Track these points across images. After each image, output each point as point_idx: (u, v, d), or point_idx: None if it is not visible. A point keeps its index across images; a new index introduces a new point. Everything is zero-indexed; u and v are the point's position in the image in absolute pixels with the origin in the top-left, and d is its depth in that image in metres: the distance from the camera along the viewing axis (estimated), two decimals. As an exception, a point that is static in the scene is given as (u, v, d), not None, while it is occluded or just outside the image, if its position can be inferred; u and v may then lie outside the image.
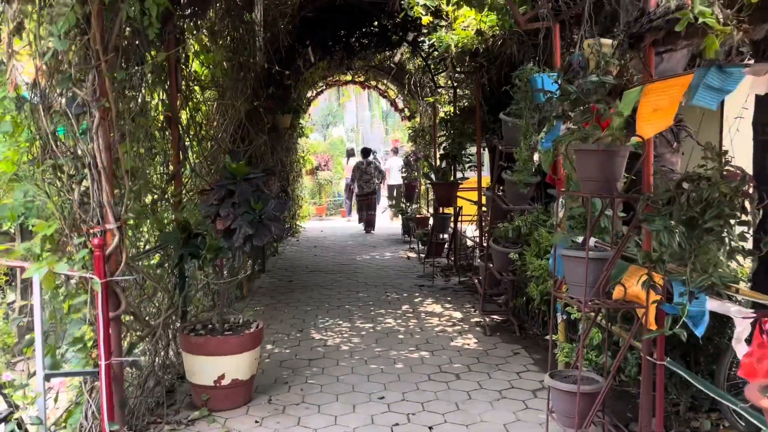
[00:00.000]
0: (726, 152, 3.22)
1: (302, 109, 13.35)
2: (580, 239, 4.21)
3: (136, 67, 4.38)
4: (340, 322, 7.08)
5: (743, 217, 2.99)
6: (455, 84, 9.88)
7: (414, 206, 13.75)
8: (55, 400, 4.09)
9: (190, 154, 5.70)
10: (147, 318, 4.59)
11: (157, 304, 4.85)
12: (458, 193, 9.55)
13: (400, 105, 16.69)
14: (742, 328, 2.95)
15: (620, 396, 4.61)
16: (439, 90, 11.24)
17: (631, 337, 3.69)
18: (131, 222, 4.32)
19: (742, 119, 4.24)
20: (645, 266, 3.42)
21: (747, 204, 2.98)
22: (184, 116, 5.69)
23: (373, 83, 16.15)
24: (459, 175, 9.67)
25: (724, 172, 3.09)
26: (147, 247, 4.81)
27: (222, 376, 4.58)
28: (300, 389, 5.07)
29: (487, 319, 6.85)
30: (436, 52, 9.87)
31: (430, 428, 4.37)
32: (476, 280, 7.94)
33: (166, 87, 5.13)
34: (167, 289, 5.05)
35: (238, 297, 8.04)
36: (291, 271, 10.28)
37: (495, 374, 5.35)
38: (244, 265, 7.44)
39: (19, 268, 4.08)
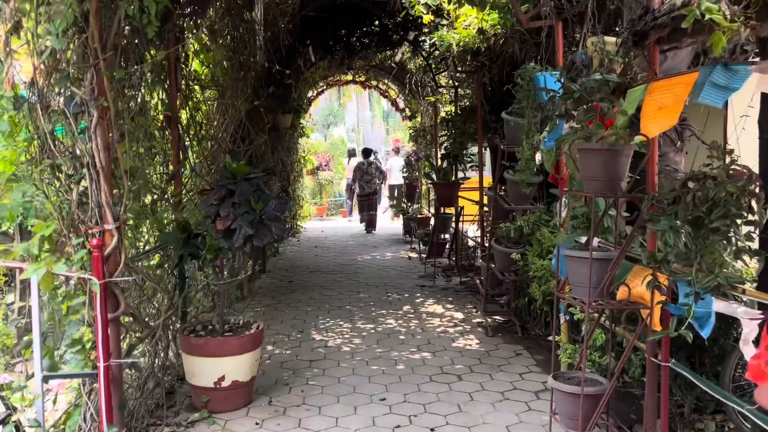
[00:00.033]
0: (732, 151, 3.19)
1: (303, 108, 13.31)
2: (583, 239, 4.18)
3: (136, 67, 4.35)
4: (341, 322, 7.05)
5: (750, 217, 2.96)
6: (456, 83, 9.84)
7: (415, 206, 13.71)
8: (54, 402, 4.06)
9: (190, 153, 5.66)
10: (146, 319, 4.55)
11: (156, 305, 4.82)
12: (459, 193, 9.51)
13: (401, 105, 16.64)
14: (749, 330, 2.91)
15: (623, 397, 4.57)
16: (440, 89, 11.20)
17: (635, 339, 3.65)
18: (131, 222, 4.29)
19: (748, 117, 4.20)
20: (650, 266, 3.38)
21: (754, 203, 2.95)
22: (183, 116, 5.65)
23: (374, 83, 16.11)
24: (460, 174, 9.63)
25: (731, 171, 3.05)
26: (147, 247, 4.78)
27: (222, 378, 4.54)
28: (301, 390, 5.03)
29: (489, 320, 6.81)
30: (437, 52, 9.85)
31: (432, 430, 4.33)
32: (478, 281, 7.91)
33: (166, 86, 5.09)
34: (167, 290, 5.01)
35: (238, 297, 8.00)
36: (292, 272, 10.25)
37: (497, 375, 5.31)
38: (245, 265, 7.40)
39: (18, 269, 4.04)
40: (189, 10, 5.37)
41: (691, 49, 4.81)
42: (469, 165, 9.29)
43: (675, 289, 3.37)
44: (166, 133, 5.19)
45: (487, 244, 7.67)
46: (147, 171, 4.77)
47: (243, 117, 6.99)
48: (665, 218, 3.12)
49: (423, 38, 9.88)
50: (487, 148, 9.00)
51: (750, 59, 4.25)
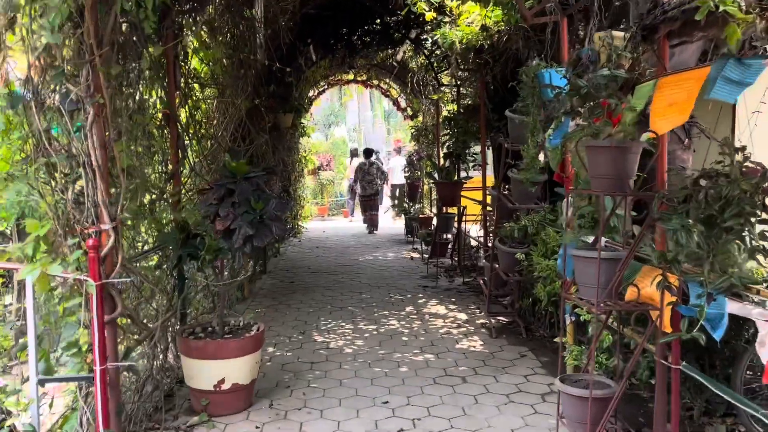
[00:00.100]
0: (745, 147, 3.10)
1: (304, 108, 13.23)
2: (589, 239, 4.09)
3: (134, 64, 4.26)
4: (343, 323, 6.96)
5: (764, 216, 2.87)
6: (458, 82, 9.76)
7: (417, 206, 13.63)
8: (50, 405, 3.97)
9: (189, 152, 5.58)
10: (145, 321, 4.46)
11: (155, 307, 4.73)
12: (462, 193, 9.43)
13: (403, 104, 16.56)
14: (765, 332, 2.83)
15: (631, 400, 4.48)
16: (443, 88, 11.12)
17: (645, 341, 3.56)
18: (129, 222, 4.20)
19: (760, 113, 4.11)
20: (660, 266, 3.30)
21: (768, 201, 2.87)
22: (183, 114, 5.57)
23: (375, 82, 16.03)
24: (463, 174, 9.54)
25: (744, 169, 2.97)
26: (145, 248, 4.69)
27: (222, 381, 4.45)
28: (302, 393, 4.94)
29: (493, 321, 6.72)
30: (439, 51, 9.77)
31: (436, 434, 4.25)
32: (481, 281, 7.82)
33: (165, 84, 5.01)
34: (166, 291, 4.93)
35: (239, 298, 7.92)
36: (293, 272, 10.16)
37: (502, 377, 5.22)
38: (245, 266, 7.32)
39: (14, 270, 3.96)
40: (188, 6, 5.28)
41: (699, 45, 4.73)
42: (472, 164, 9.20)
43: (686, 290, 3.29)
44: (165, 131, 5.11)
45: (490, 244, 7.59)
46: (145, 170, 4.69)
47: (243, 116, 6.91)
48: (677, 217, 3.03)
49: (425, 36, 9.80)
50: (490, 147, 8.91)
51: (760, 54, 4.17)
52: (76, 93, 3.52)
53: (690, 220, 2.97)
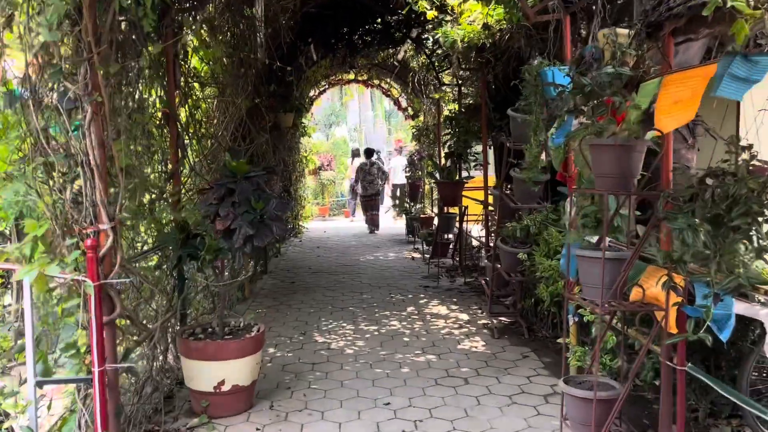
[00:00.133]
0: (752, 146, 3.05)
1: (305, 108, 13.20)
2: (592, 239, 4.05)
3: (133, 63, 4.22)
4: (344, 324, 6.92)
5: (772, 215, 2.83)
6: (460, 81, 9.71)
7: (418, 206, 13.59)
8: (49, 407, 3.92)
9: (189, 152, 5.54)
10: (144, 321, 4.42)
11: (155, 307, 4.69)
12: (463, 193, 9.38)
13: (404, 104, 16.52)
14: (773, 333, 2.78)
15: (635, 401, 4.45)
16: (444, 88, 11.07)
17: (650, 342, 3.52)
18: (128, 222, 4.16)
19: (767, 111, 4.06)
20: (665, 267, 3.25)
21: (776, 200, 2.82)
22: (183, 113, 5.53)
23: (376, 82, 15.99)
24: (464, 174, 9.50)
25: (751, 167, 2.92)
26: (145, 248, 4.65)
27: (222, 382, 4.41)
28: (303, 395, 4.90)
29: (495, 321, 6.67)
30: (440, 50, 9.72)
31: (439, 436, 4.21)
32: (483, 281, 7.78)
33: (164, 83, 4.97)
34: (165, 292, 4.89)
35: (239, 299, 7.89)
36: (293, 273, 10.12)
37: (504, 378, 5.18)
38: (246, 266, 7.27)
39: (13, 271, 3.91)
40: (188, 4, 5.24)
41: (703, 43, 4.69)
42: (473, 164, 9.15)
43: (691, 290, 3.25)
44: (165, 130, 5.07)
45: (491, 244, 7.54)
46: (145, 169, 4.65)
47: (244, 115, 6.87)
48: (683, 216, 2.99)
49: (426, 36, 9.76)
50: (491, 147, 8.87)
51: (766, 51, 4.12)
52: (74, 91, 3.48)
53: (696, 220, 2.92)
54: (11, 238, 5.13)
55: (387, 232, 15.29)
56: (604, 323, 3.91)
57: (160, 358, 4.67)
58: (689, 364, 3.38)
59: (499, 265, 6.61)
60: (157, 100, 4.93)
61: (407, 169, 14.02)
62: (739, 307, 3.02)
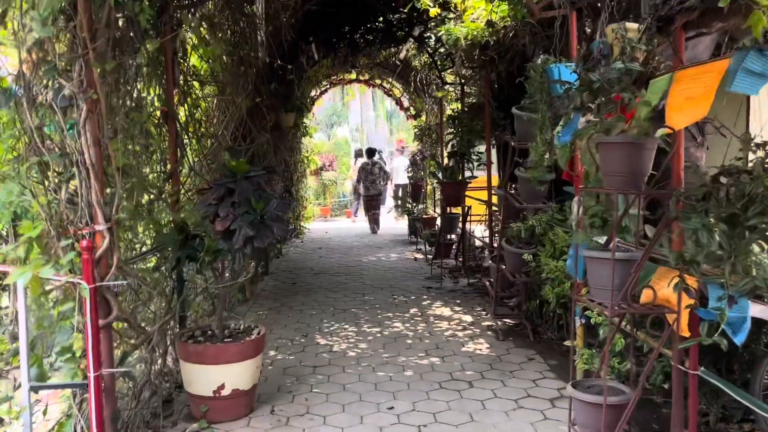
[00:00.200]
0: (767, 143, 2.96)
1: (306, 107, 13.12)
2: (600, 239, 3.95)
3: (130, 60, 4.13)
4: (346, 326, 6.82)
5: (789, 214, 2.73)
6: (463, 81, 9.62)
7: (420, 206, 13.50)
8: (44, 413, 3.84)
9: (188, 151, 5.45)
10: (143, 324, 4.33)
11: (153, 310, 4.60)
12: (467, 193, 9.29)
13: (406, 104, 16.43)
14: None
15: (643, 405, 4.34)
16: (446, 87, 10.98)
17: (661, 345, 3.42)
18: (126, 223, 4.06)
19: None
20: (677, 268, 3.16)
21: (794, 199, 2.72)
22: (182, 112, 5.44)
23: (378, 81, 15.91)
24: (467, 173, 9.40)
25: (767, 165, 2.83)
26: (143, 249, 4.56)
27: (222, 386, 4.32)
28: (304, 399, 4.81)
29: (499, 323, 6.58)
30: (443, 48, 9.62)
31: (443, 441, 4.12)
32: (487, 282, 7.68)
33: (163, 81, 4.87)
34: (164, 294, 4.80)
35: (240, 300, 7.80)
36: (295, 274, 10.03)
37: (510, 382, 5.08)
38: (247, 267, 7.18)
39: (7, 273, 3.83)
40: (187, 1, 5.15)
41: (713, 39, 4.59)
42: (477, 164, 9.05)
43: (704, 292, 3.15)
44: (164, 130, 4.97)
45: (495, 245, 7.45)
46: (143, 169, 4.56)
47: (244, 114, 6.78)
48: (696, 216, 2.89)
49: (428, 34, 9.67)
50: (494, 146, 8.77)
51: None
52: (69, 89, 3.39)
53: (711, 219, 2.83)
54: (8, 239, 5.05)
55: (389, 232, 15.20)
56: (613, 326, 3.81)
57: (159, 361, 4.58)
58: (702, 368, 3.29)
59: (503, 266, 6.51)
60: (156, 99, 4.84)
61: (409, 169, 13.93)
62: (755, 310, 2.93)
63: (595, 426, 3.49)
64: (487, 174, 8.59)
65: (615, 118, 3.46)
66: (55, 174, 3.56)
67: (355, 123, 31.48)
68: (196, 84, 5.88)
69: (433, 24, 8.13)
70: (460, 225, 9.74)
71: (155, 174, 4.88)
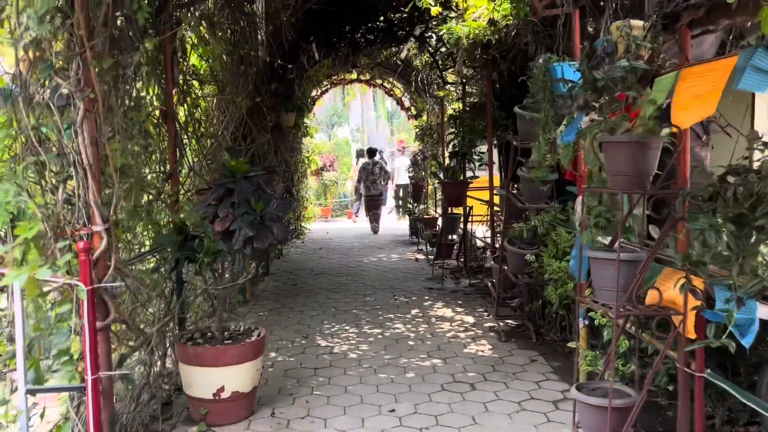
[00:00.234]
0: (775, 142, 2.91)
1: (307, 107, 13.06)
2: (604, 239, 3.90)
3: (129, 59, 4.08)
4: (347, 327, 6.77)
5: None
6: (464, 80, 9.57)
7: (421, 207, 13.45)
8: (42, 416, 3.78)
9: (188, 151, 5.40)
10: (142, 326, 4.28)
11: (152, 311, 4.55)
12: (468, 193, 9.23)
13: (407, 103, 16.38)
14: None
15: (648, 407, 4.28)
16: (448, 86, 10.93)
17: (667, 347, 3.37)
18: (125, 224, 4.01)
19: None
20: (683, 269, 3.11)
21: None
22: (181, 112, 5.39)
23: (379, 81, 15.85)
24: (469, 173, 9.35)
25: (775, 164, 2.78)
26: (142, 250, 4.51)
27: (221, 389, 4.27)
28: (305, 401, 4.76)
29: (501, 324, 6.53)
30: (444, 48, 9.58)
31: (446, 444, 4.07)
32: (489, 283, 7.63)
33: (162, 81, 4.82)
34: (164, 295, 4.75)
35: (240, 301, 7.75)
36: (296, 274, 9.98)
37: (512, 384, 5.03)
38: (247, 268, 7.13)
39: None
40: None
41: (717, 37, 4.55)
42: (478, 164, 9.00)
43: (711, 293, 3.10)
44: (163, 129, 4.93)
45: (497, 245, 7.40)
46: (142, 169, 4.52)
47: (244, 114, 6.73)
48: (704, 216, 2.84)
49: (430, 34, 9.62)
50: (496, 146, 8.72)
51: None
52: (66, 87, 3.34)
53: (719, 220, 2.78)
54: (6, 240, 5.00)
55: (390, 233, 15.15)
56: (618, 327, 3.76)
57: (158, 363, 4.53)
58: (708, 371, 3.24)
59: (505, 267, 6.46)
60: (155, 98, 4.79)
61: (410, 169, 13.88)
62: (763, 311, 2.88)
63: (600, 429, 3.44)
64: (488, 174, 8.53)
65: (620, 117, 3.41)
66: (53, 174, 3.52)
67: (355, 123, 31.44)
68: (195, 83, 5.83)
69: (434, 23, 8.09)
70: (462, 225, 9.69)
71: (154, 174, 4.84)
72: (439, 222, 11.33)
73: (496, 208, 8.31)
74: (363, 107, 30.53)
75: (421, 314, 7.28)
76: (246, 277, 6.07)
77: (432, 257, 10.42)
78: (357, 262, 11.10)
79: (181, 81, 5.32)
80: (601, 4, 4.86)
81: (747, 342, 2.92)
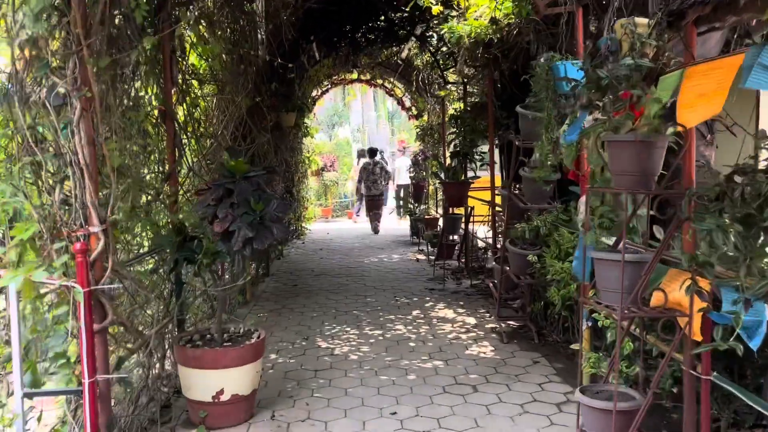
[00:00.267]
0: (783, 141, 2.86)
1: (307, 107, 13.00)
2: (605, 239, 3.85)
3: (127, 58, 4.03)
4: (348, 328, 6.72)
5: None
6: (465, 80, 9.52)
7: (422, 207, 13.40)
8: (39, 419, 3.74)
9: (187, 151, 5.35)
10: (141, 328, 4.23)
11: (151, 313, 4.50)
12: (469, 193, 9.19)
13: (407, 103, 16.33)
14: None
15: (653, 410, 4.21)
16: (449, 86, 10.88)
17: (673, 350, 3.32)
18: (123, 225, 3.96)
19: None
20: (689, 270, 3.06)
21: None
22: (181, 111, 5.34)
23: (380, 81, 15.80)
24: (470, 173, 9.30)
25: (783, 164, 2.74)
26: (141, 251, 4.46)
27: (221, 391, 4.22)
28: (305, 403, 4.71)
29: (503, 325, 6.48)
30: (445, 47, 9.53)
31: (448, 447, 4.02)
32: (491, 284, 7.58)
33: (161, 80, 4.77)
34: (162, 297, 4.70)
35: (240, 302, 7.70)
36: (296, 275, 9.93)
37: (515, 386, 4.98)
38: (247, 269, 7.08)
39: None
40: (185, -2, 5.06)
41: (723, 35, 4.50)
42: (480, 164, 8.94)
43: (717, 294, 3.05)
44: (162, 129, 4.88)
45: (499, 246, 7.35)
46: (141, 170, 4.47)
47: (244, 114, 6.68)
48: (711, 216, 2.79)
49: (430, 33, 9.57)
50: (497, 146, 8.67)
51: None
52: (63, 86, 3.29)
53: (726, 220, 2.73)
54: (3, 241, 4.95)
55: (391, 233, 15.10)
56: (622, 329, 3.71)
57: (157, 366, 4.49)
58: (714, 374, 3.19)
59: (507, 268, 6.41)
60: (154, 98, 4.74)
61: (411, 169, 13.83)
62: (771, 313, 2.82)
63: (605, 433, 3.39)
64: (490, 174, 8.48)
65: (624, 115, 3.37)
66: (49, 174, 3.47)
67: (356, 123, 31.39)
68: (195, 83, 5.78)
69: (435, 22, 8.04)
70: (463, 226, 9.64)
71: (153, 174, 4.79)
72: (440, 222, 11.27)
73: (497, 209, 8.26)
74: (363, 107, 30.48)
75: (422, 315, 7.23)
76: (246, 279, 6.02)
77: (433, 258, 10.37)
78: (358, 262, 11.05)
79: (180, 80, 5.28)
80: (604, 2, 4.81)
81: (755, 344, 2.88)
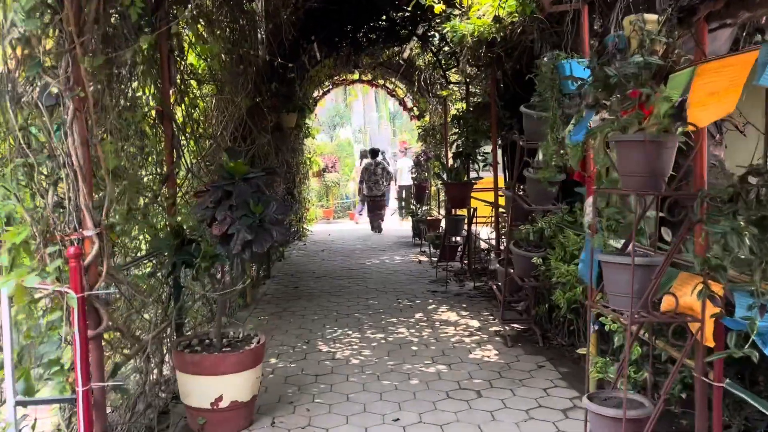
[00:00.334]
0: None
1: (308, 108, 12.90)
2: (612, 242, 3.75)
3: (123, 57, 3.94)
4: (350, 332, 6.63)
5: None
6: (468, 80, 9.43)
7: (424, 208, 13.30)
8: (33, 427, 3.64)
9: (186, 153, 5.26)
10: (138, 333, 4.14)
11: (149, 318, 4.41)
12: (472, 194, 9.09)
13: (409, 104, 16.24)
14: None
15: (662, 416, 4.11)
16: (451, 86, 10.79)
17: (685, 355, 3.22)
18: (120, 228, 3.87)
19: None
20: (701, 273, 2.97)
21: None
22: (179, 112, 5.25)
23: (381, 81, 15.70)
24: (473, 174, 9.21)
25: (800, 164, 2.64)
26: (138, 254, 4.37)
27: (220, 398, 4.13)
28: (306, 409, 4.61)
29: (507, 328, 6.38)
30: (447, 47, 9.43)
31: (452, 455, 3.92)
32: (494, 286, 7.49)
33: (158, 80, 4.68)
34: (160, 301, 4.61)
35: (241, 305, 7.62)
36: (297, 277, 9.84)
37: (520, 391, 4.88)
38: (247, 272, 6.99)
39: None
40: (183, -4, 4.97)
41: (732, 33, 4.40)
42: (482, 164, 8.85)
43: (731, 299, 2.95)
44: (159, 130, 4.79)
45: (502, 248, 7.25)
46: (138, 171, 4.38)
47: (244, 115, 6.59)
48: (725, 219, 2.69)
49: (432, 32, 9.48)
50: (500, 146, 8.57)
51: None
52: (55, 86, 3.20)
53: (741, 222, 2.63)
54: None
55: (393, 234, 15.01)
56: (631, 334, 3.61)
57: (155, 371, 4.40)
58: (727, 381, 3.10)
59: (511, 270, 6.32)
60: (151, 98, 4.66)
61: (413, 170, 13.74)
62: (788, 319, 2.73)
63: (614, 441, 3.29)
64: (493, 175, 8.39)
65: (633, 115, 3.27)
66: (42, 177, 3.38)
67: (358, 124, 31.32)
68: (193, 83, 5.69)
69: (437, 21, 7.94)
70: (466, 227, 9.55)
71: (150, 176, 4.70)
72: (443, 224, 11.18)
73: (501, 210, 8.17)
74: (365, 108, 30.41)
75: (424, 318, 7.13)
76: (245, 282, 5.94)
77: (435, 259, 10.28)
78: (359, 264, 10.96)
79: (178, 80, 5.19)
80: (609, 0, 4.72)
81: (770, 351, 2.78)
